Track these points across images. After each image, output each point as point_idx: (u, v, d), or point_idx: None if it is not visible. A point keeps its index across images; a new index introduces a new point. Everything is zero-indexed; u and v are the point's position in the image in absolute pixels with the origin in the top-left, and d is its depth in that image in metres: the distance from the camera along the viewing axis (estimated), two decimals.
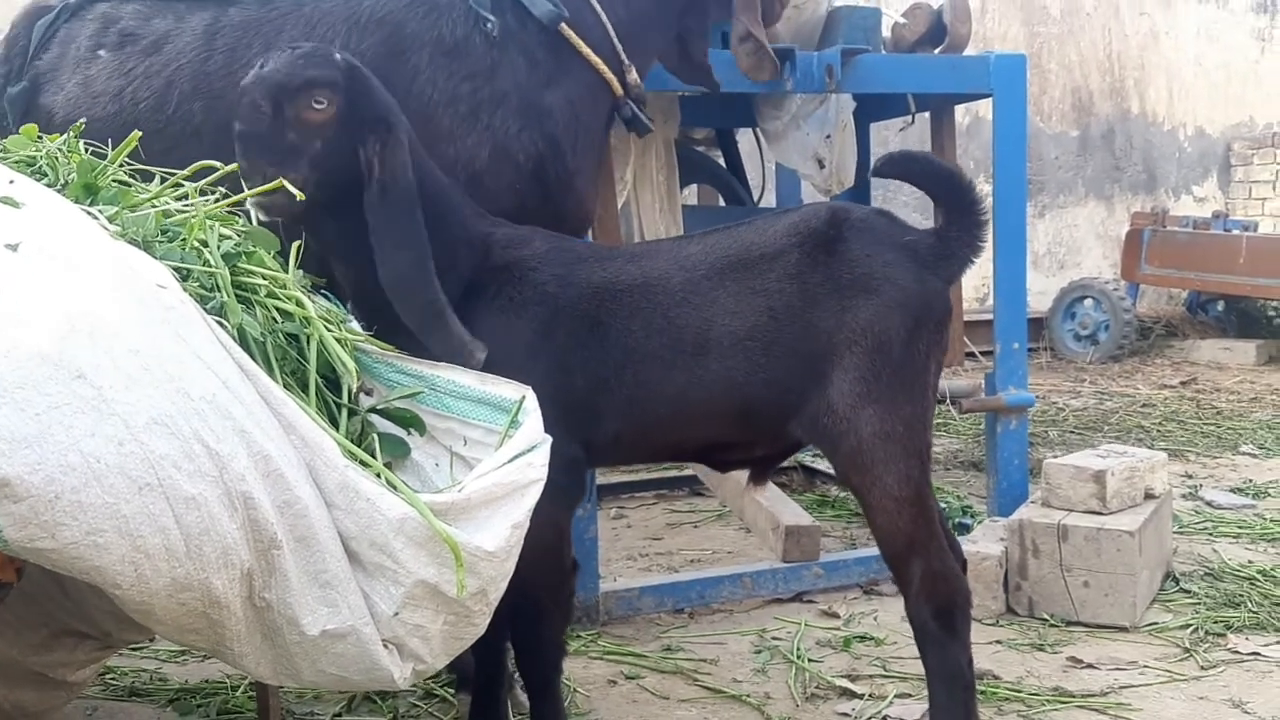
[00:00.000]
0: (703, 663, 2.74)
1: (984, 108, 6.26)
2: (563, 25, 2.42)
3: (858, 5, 3.55)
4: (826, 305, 1.99)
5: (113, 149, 1.92)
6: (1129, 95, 9.73)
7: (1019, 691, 2.53)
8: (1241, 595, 3.09)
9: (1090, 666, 2.68)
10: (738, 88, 3.16)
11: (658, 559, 3.62)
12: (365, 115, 1.95)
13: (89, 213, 1.62)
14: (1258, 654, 2.74)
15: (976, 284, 7.67)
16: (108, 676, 2.60)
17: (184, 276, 1.63)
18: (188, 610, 1.31)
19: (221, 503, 1.31)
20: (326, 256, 2.05)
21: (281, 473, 1.38)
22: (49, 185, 1.72)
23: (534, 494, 1.60)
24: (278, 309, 1.76)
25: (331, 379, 1.79)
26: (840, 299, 1.99)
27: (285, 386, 1.60)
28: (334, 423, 1.73)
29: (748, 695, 2.54)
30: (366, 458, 1.60)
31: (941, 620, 2.00)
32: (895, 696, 2.50)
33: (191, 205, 1.80)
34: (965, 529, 3.53)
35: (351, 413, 1.78)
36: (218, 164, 1.90)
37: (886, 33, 3.67)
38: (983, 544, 3.11)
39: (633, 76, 2.52)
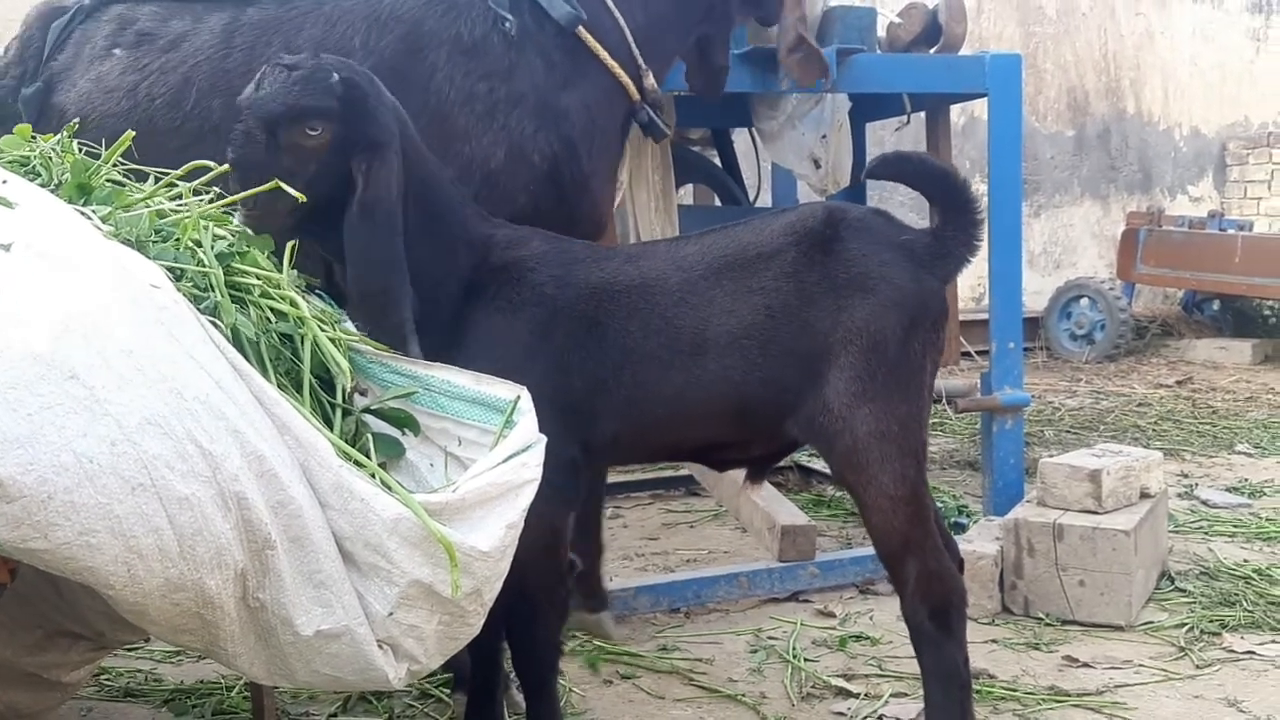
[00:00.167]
0: (698, 662, 2.74)
1: (980, 107, 6.27)
2: (580, 28, 2.43)
3: (853, 5, 3.55)
4: (823, 304, 2.00)
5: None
6: (1125, 95, 9.74)
7: (1014, 691, 2.53)
8: (1237, 594, 3.10)
9: (1086, 665, 2.68)
10: (734, 87, 3.16)
11: (654, 559, 3.62)
12: (358, 137, 1.94)
13: (82, 213, 1.61)
14: (1253, 653, 2.74)
15: (972, 284, 7.67)
16: (102, 677, 2.59)
17: (177, 276, 1.62)
18: (181, 611, 1.30)
19: (215, 503, 1.31)
20: (328, 261, 2.05)
21: (275, 473, 1.38)
22: (42, 185, 1.72)
23: (529, 494, 1.60)
24: (272, 309, 1.76)
25: (326, 379, 1.79)
26: (837, 298, 1.99)
27: (279, 387, 1.60)
28: (328, 423, 1.72)
29: (743, 695, 2.54)
30: (361, 458, 1.59)
31: (937, 620, 2.00)
32: (891, 696, 2.50)
33: (185, 205, 1.80)
34: (961, 528, 3.53)
35: (346, 413, 1.77)
36: (212, 164, 1.90)
37: (882, 32, 3.67)
38: (978, 543, 3.11)
39: (649, 81, 2.53)
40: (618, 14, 2.49)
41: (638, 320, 2.05)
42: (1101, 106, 9.62)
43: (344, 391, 1.77)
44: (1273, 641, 2.81)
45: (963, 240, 2.07)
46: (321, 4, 2.49)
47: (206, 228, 1.75)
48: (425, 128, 2.34)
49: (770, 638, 2.89)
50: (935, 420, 5.30)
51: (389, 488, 1.52)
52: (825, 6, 3.50)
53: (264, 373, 1.61)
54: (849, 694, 2.53)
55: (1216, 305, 8.84)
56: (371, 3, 2.45)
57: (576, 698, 2.52)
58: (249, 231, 1.87)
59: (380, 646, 1.49)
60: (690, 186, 4.70)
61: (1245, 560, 3.42)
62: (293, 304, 1.77)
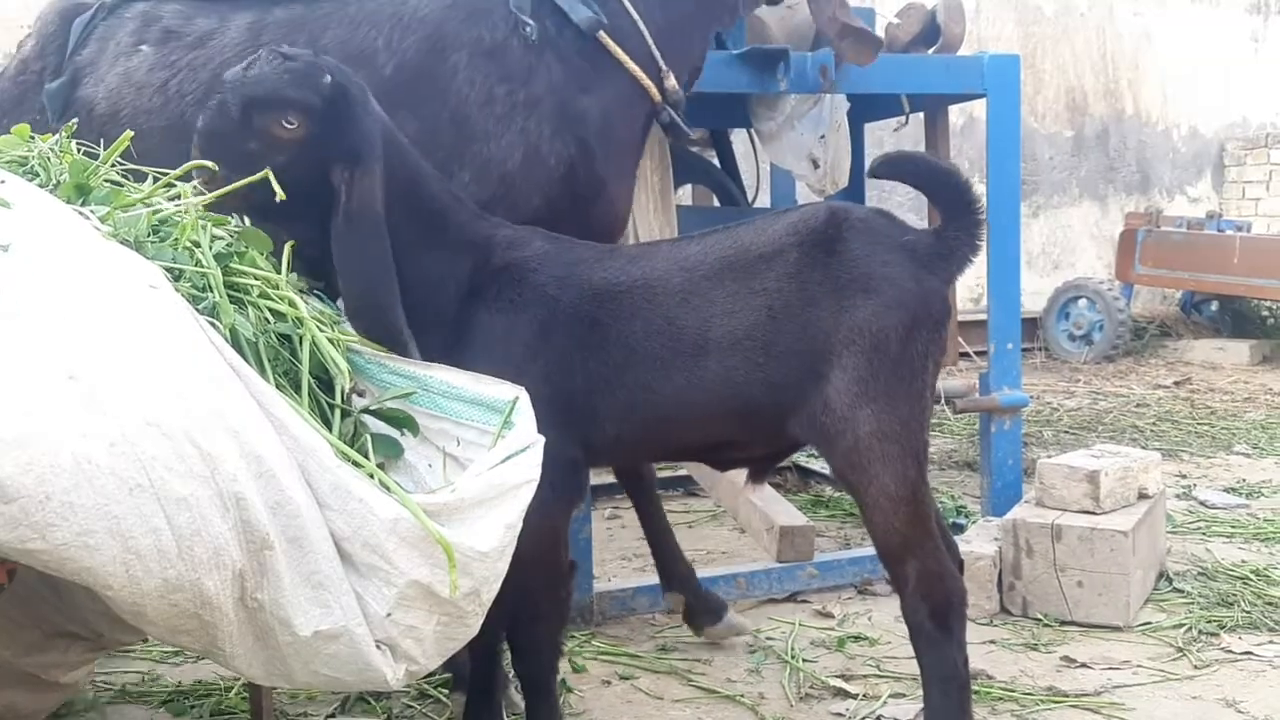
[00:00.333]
0: (697, 663, 2.74)
1: (978, 108, 6.27)
2: (601, 33, 2.46)
3: (851, 6, 3.55)
4: (825, 305, 1.99)
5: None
6: (1123, 95, 9.75)
7: (1013, 691, 2.53)
8: (1235, 595, 3.10)
9: (1084, 666, 2.68)
10: (732, 88, 3.16)
11: (652, 559, 3.61)
12: (338, 143, 1.93)
13: (80, 213, 1.61)
14: (1251, 653, 2.74)
15: (970, 284, 7.67)
16: (101, 678, 2.59)
17: (176, 277, 1.62)
18: (179, 611, 1.30)
19: (213, 503, 1.31)
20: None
21: (274, 473, 1.38)
22: (41, 185, 1.71)
23: (527, 494, 1.60)
24: (270, 309, 1.76)
25: (324, 379, 1.79)
26: (839, 298, 1.99)
27: (278, 387, 1.60)
28: (327, 423, 1.72)
29: (742, 695, 2.54)
30: (359, 458, 1.59)
31: (937, 620, 2.00)
32: (889, 696, 2.51)
33: (184, 205, 1.79)
34: (959, 529, 3.52)
35: (344, 413, 1.77)
36: (210, 164, 1.90)
37: (880, 33, 3.66)
38: (977, 544, 3.11)
39: (671, 82, 2.55)
40: (636, 16, 2.51)
41: (640, 320, 2.05)
42: (1100, 107, 9.63)
43: (343, 392, 1.77)
44: (1270, 642, 2.81)
45: (965, 241, 2.07)
46: (346, 5, 2.53)
47: (205, 228, 1.75)
48: (445, 128, 2.40)
49: (768, 638, 2.89)
50: (934, 421, 5.30)
51: (387, 488, 1.52)
52: None
53: (262, 373, 1.60)
54: (847, 694, 2.53)
55: (1215, 306, 8.85)
56: (395, 5, 2.50)
57: (575, 698, 2.52)
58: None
59: (378, 647, 1.49)
60: (689, 187, 4.70)
61: (1243, 561, 3.42)
62: (291, 304, 1.77)
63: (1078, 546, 2.95)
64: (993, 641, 2.85)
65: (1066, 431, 5.50)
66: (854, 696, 2.52)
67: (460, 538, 1.49)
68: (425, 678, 2.46)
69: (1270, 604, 3.04)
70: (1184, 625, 2.91)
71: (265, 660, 1.45)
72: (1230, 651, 2.76)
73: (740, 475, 2.55)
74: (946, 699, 2.02)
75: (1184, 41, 9.84)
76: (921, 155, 2.43)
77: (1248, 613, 2.98)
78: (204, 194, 1.84)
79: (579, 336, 2.06)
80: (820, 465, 4.46)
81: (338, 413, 1.76)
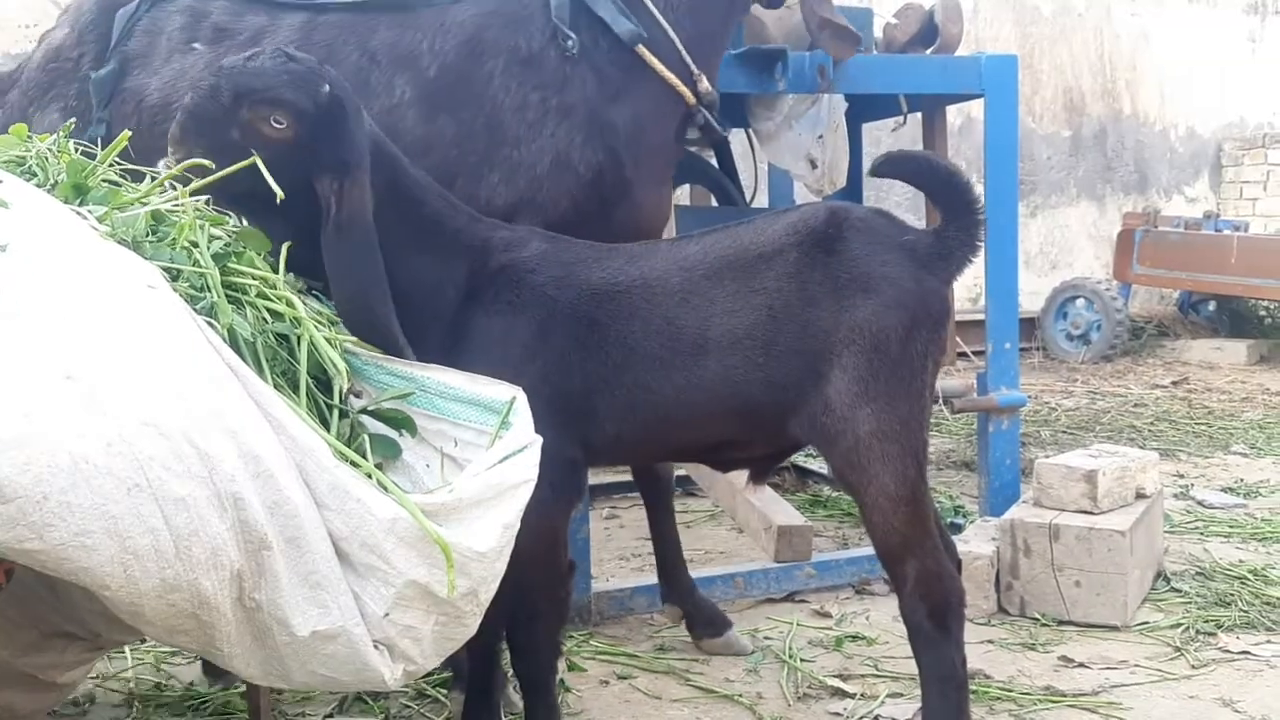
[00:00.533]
0: (695, 662, 2.74)
1: (976, 108, 6.27)
2: (639, 45, 2.54)
3: (849, 6, 3.55)
4: (825, 304, 2.00)
5: None
6: (1120, 96, 9.76)
7: (1010, 691, 2.53)
8: (1232, 594, 3.10)
9: (1081, 666, 2.68)
10: (730, 88, 3.15)
11: (650, 559, 3.58)
12: (327, 153, 1.92)
13: (78, 213, 1.61)
14: (1248, 653, 2.74)
15: (969, 284, 7.67)
16: (99, 678, 2.59)
17: (174, 277, 1.62)
18: (177, 611, 1.30)
19: (211, 503, 1.31)
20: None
21: (271, 473, 1.38)
22: (39, 185, 1.71)
23: (525, 495, 1.59)
24: (268, 309, 1.76)
25: (322, 380, 1.79)
26: (838, 298, 1.99)
27: (276, 387, 1.60)
28: (325, 424, 1.72)
29: (740, 695, 2.54)
30: (357, 458, 1.59)
31: (935, 620, 2.00)
32: (887, 696, 2.51)
33: (181, 205, 1.79)
34: (957, 529, 3.53)
35: (342, 414, 1.77)
36: (209, 163, 1.90)
37: (878, 33, 3.67)
38: (974, 544, 3.11)
39: (704, 85, 2.63)
40: (666, 26, 2.58)
41: (639, 320, 2.05)
42: (1097, 107, 9.64)
43: (340, 392, 1.77)
44: (1268, 641, 2.81)
45: (965, 240, 2.07)
46: (394, 9, 2.61)
47: (203, 228, 1.75)
48: (480, 132, 2.48)
49: (766, 638, 2.89)
50: (932, 420, 5.30)
51: (385, 488, 1.52)
52: None
53: (260, 373, 1.60)
54: (845, 694, 2.53)
55: (1212, 306, 8.87)
56: (440, 11, 2.58)
57: (573, 698, 2.52)
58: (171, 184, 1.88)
59: (376, 647, 1.49)
60: (687, 187, 4.70)
61: (1240, 560, 3.43)
62: (289, 304, 1.77)
63: (1075, 546, 2.96)
64: (990, 641, 2.85)
65: (1064, 431, 5.51)
66: (852, 696, 2.52)
67: (458, 538, 1.49)
68: (424, 677, 2.46)
69: (1268, 604, 3.05)
70: (1181, 625, 2.92)
71: (263, 660, 1.45)
72: (1227, 651, 2.76)
73: (739, 475, 2.55)
74: (944, 699, 2.02)
75: (1181, 42, 9.85)
76: (923, 154, 2.43)
77: (1245, 612, 2.98)
78: (182, 177, 1.85)
79: (578, 337, 2.06)
80: (818, 465, 4.47)
81: (336, 413, 1.76)
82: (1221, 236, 8.12)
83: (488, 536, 1.53)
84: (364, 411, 1.81)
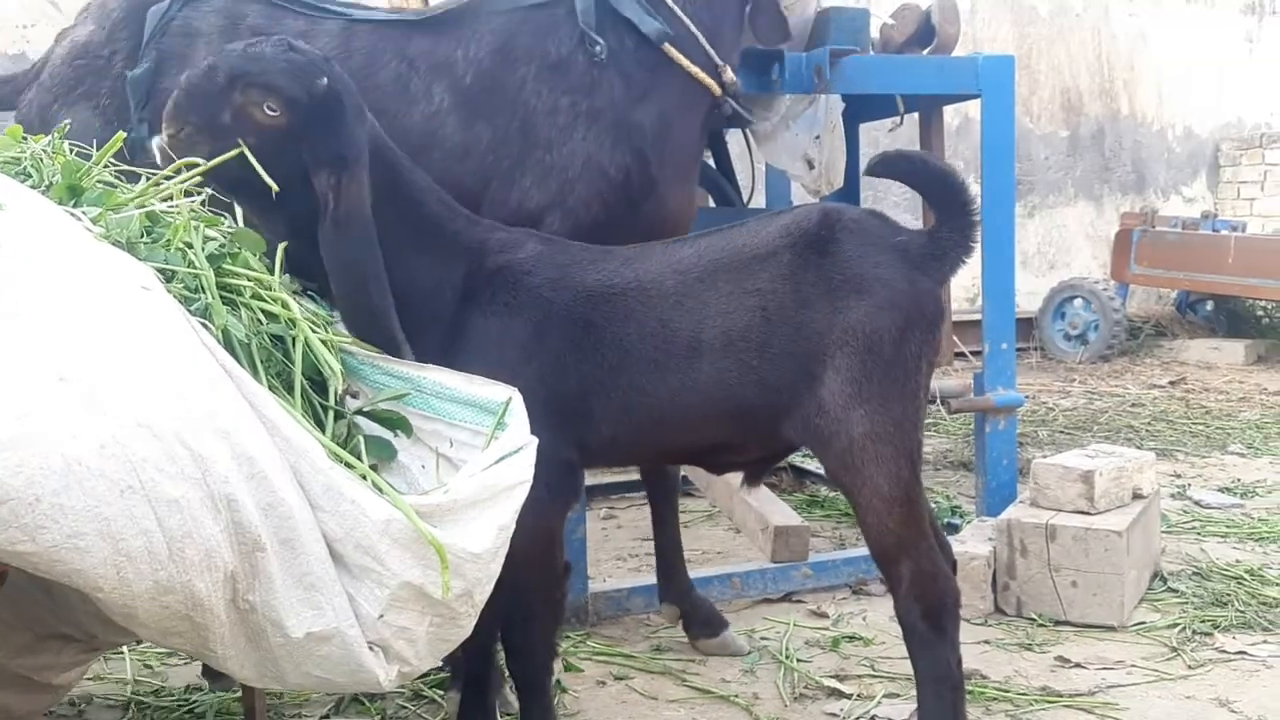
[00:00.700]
0: (691, 663, 2.74)
1: (974, 108, 6.28)
2: (666, 44, 2.59)
3: (846, 6, 3.55)
4: (818, 306, 2.00)
5: None
6: (1118, 96, 9.76)
7: (1007, 691, 2.53)
8: (1229, 595, 3.10)
9: (1078, 666, 2.69)
10: None
11: (647, 559, 3.60)
12: (322, 144, 1.91)
13: (73, 214, 1.61)
14: (1244, 653, 2.75)
15: (966, 284, 7.68)
16: (95, 679, 2.59)
17: (168, 278, 1.62)
18: (171, 613, 1.30)
19: (204, 505, 1.30)
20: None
21: (265, 475, 1.38)
22: (33, 187, 1.71)
23: (520, 496, 1.60)
24: (263, 311, 1.75)
25: (317, 381, 1.78)
26: (832, 300, 1.99)
27: (270, 389, 1.60)
28: (320, 425, 1.72)
29: (736, 695, 2.54)
30: (351, 459, 1.59)
31: (930, 620, 2.00)
32: (883, 696, 2.51)
33: (176, 206, 1.79)
34: (954, 529, 3.53)
35: (337, 415, 1.77)
36: (201, 161, 1.90)
37: (875, 34, 3.67)
38: (971, 544, 3.11)
39: (728, 75, 2.69)
40: (687, 19, 2.63)
41: (634, 323, 2.06)
42: (1095, 107, 9.64)
43: (336, 393, 1.77)
44: (1264, 642, 2.82)
45: (959, 241, 2.07)
46: (429, 15, 2.67)
47: (197, 229, 1.75)
48: (514, 137, 2.54)
49: (763, 638, 2.89)
50: (929, 421, 5.31)
51: (380, 490, 1.52)
52: (819, 8, 3.51)
53: (255, 374, 1.60)
54: (842, 694, 2.53)
55: (1210, 306, 8.87)
56: (472, 19, 2.63)
57: (570, 698, 2.52)
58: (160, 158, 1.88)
59: (371, 648, 1.49)
60: None
61: (1237, 561, 3.43)
62: (284, 306, 1.77)
63: (1072, 546, 2.96)
64: (987, 641, 2.85)
65: (1062, 431, 5.51)
66: (848, 696, 2.52)
67: (453, 539, 1.49)
68: (420, 678, 2.47)
69: (1264, 604, 3.05)
70: (1178, 625, 2.92)
71: (257, 662, 1.45)
72: (1224, 651, 2.76)
73: (735, 476, 2.55)
74: (939, 699, 2.02)
75: (1179, 42, 9.85)
76: (918, 154, 2.43)
77: (1241, 612, 2.99)
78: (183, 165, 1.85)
79: (573, 338, 2.06)
80: (816, 466, 4.47)
81: (331, 414, 1.76)
82: (1219, 236, 8.12)
83: (483, 538, 1.54)
84: (359, 413, 1.81)
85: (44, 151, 1.87)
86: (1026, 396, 4.72)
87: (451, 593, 1.48)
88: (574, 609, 2.93)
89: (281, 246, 1.88)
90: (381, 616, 1.47)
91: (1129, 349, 8.31)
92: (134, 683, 2.59)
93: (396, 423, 1.81)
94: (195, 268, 1.67)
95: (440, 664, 2.13)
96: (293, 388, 1.70)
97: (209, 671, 2.51)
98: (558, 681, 2.49)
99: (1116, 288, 8.38)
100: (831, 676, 2.62)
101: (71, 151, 1.90)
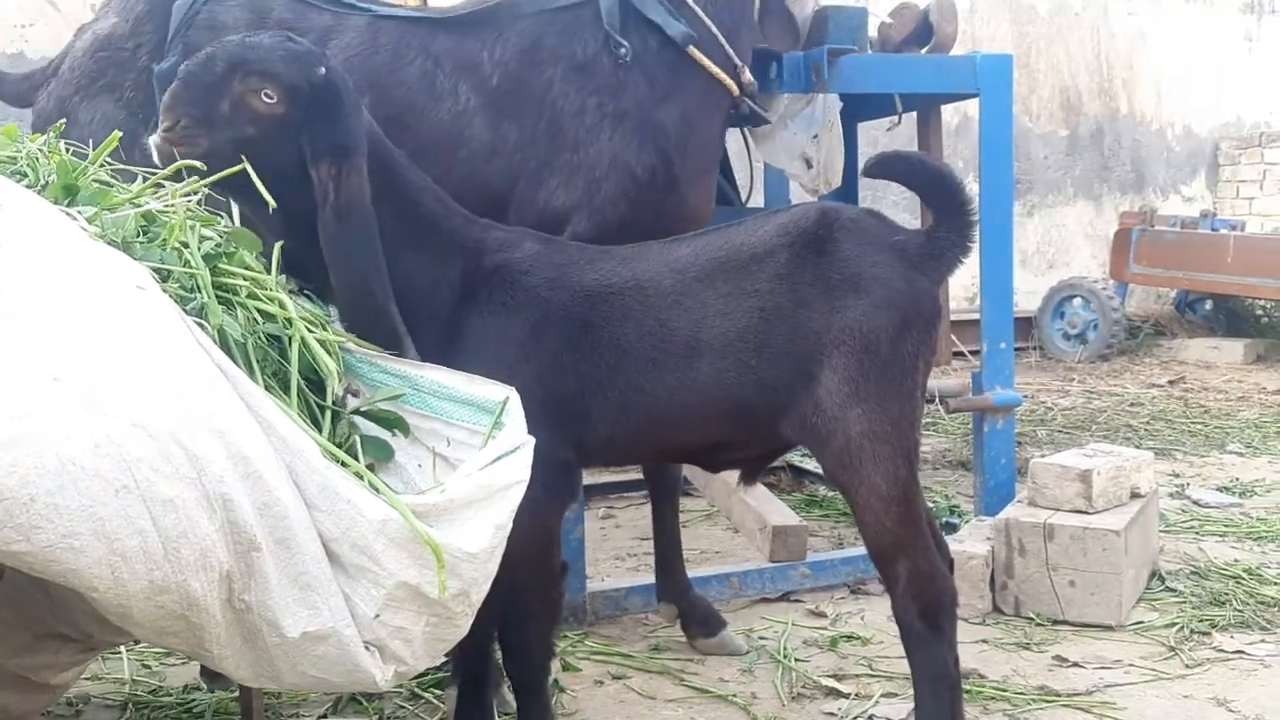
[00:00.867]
0: (689, 662, 2.74)
1: (972, 107, 6.28)
2: (690, 46, 2.63)
3: (844, 5, 3.55)
4: (816, 305, 2.00)
5: None
6: (1117, 95, 9.76)
7: (1004, 690, 2.53)
8: (1227, 594, 3.10)
9: (1076, 665, 2.69)
10: None
11: (645, 559, 3.60)
12: (321, 134, 1.91)
13: (68, 214, 1.61)
14: (1242, 652, 2.75)
15: (965, 283, 7.68)
16: (92, 679, 2.58)
17: (164, 277, 1.62)
18: (166, 613, 1.30)
19: (200, 505, 1.30)
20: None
21: (261, 474, 1.38)
22: (29, 186, 1.71)
23: (517, 495, 1.59)
24: (259, 310, 1.75)
25: (314, 380, 1.78)
26: (829, 299, 1.99)
27: (267, 388, 1.59)
28: (316, 424, 1.72)
29: (734, 695, 2.54)
30: (347, 459, 1.59)
31: (927, 620, 2.00)
32: (881, 696, 2.51)
33: (172, 205, 1.79)
34: (952, 528, 3.53)
35: (334, 414, 1.77)
36: (200, 164, 1.89)
37: (873, 33, 3.67)
38: (969, 543, 3.11)
39: (746, 76, 2.75)
40: (709, 21, 2.68)
41: (632, 322, 2.06)
42: (1094, 106, 9.64)
43: (332, 393, 1.77)
44: (1262, 641, 2.82)
45: (956, 241, 2.07)
46: (454, 15, 2.69)
47: (193, 228, 1.75)
48: (542, 138, 2.58)
49: (761, 638, 2.89)
50: (927, 420, 5.31)
51: (376, 489, 1.52)
52: (816, 6, 3.50)
53: (251, 374, 1.60)
54: (839, 694, 2.53)
55: (1209, 305, 8.87)
56: (497, 20, 2.66)
57: (568, 698, 2.52)
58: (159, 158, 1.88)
59: (367, 648, 1.49)
60: None
61: (1236, 560, 3.43)
62: (280, 305, 1.76)
63: (1070, 546, 2.96)
64: (985, 641, 2.85)
65: (1060, 431, 5.51)
66: (846, 696, 2.52)
67: (449, 539, 1.49)
68: (417, 678, 2.46)
69: (1262, 603, 3.05)
70: (1176, 624, 2.92)
71: (253, 662, 1.45)
72: (1222, 650, 2.76)
73: (734, 475, 2.55)
74: (937, 699, 2.02)
75: (1178, 41, 9.85)
76: (915, 154, 2.43)
77: (1240, 612, 2.99)
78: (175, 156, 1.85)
79: (571, 338, 2.06)
80: (814, 465, 4.46)
81: (327, 414, 1.76)
82: (1218, 236, 8.12)
83: (479, 537, 1.53)
84: (356, 412, 1.80)
85: (40, 150, 1.87)
86: (1025, 396, 4.72)
87: (448, 592, 1.48)
88: (572, 608, 2.93)
89: (278, 245, 1.88)
90: (378, 616, 1.47)
91: (1128, 348, 8.31)
92: (131, 682, 2.59)
93: (394, 422, 1.80)
94: (191, 267, 1.67)
95: (439, 664, 2.13)
96: (289, 387, 1.70)
97: (207, 672, 2.51)
98: (555, 681, 2.49)
99: (1115, 287, 8.38)
100: (829, 676, 2.62)
101: (68, 151, 1.90)
